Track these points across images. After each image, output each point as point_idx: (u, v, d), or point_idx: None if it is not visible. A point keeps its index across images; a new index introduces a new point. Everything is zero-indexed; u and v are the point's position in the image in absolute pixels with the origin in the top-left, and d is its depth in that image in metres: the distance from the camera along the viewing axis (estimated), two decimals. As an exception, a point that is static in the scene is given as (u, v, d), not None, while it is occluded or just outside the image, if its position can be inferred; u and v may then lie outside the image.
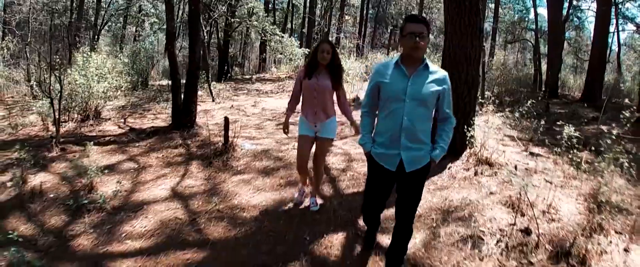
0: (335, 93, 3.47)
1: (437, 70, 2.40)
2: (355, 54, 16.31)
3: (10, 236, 2.81)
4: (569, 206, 3.33)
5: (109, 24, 22.27)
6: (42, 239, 3.12)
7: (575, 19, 19.82)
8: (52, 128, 6.44)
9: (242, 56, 22.89)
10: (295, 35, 21.96)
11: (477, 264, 2.59)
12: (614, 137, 3.35)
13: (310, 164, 3.60)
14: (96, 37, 18.96)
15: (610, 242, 2.86)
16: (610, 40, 18.89)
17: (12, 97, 9.82)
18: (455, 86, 3.78)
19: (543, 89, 11.20)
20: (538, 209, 3.14)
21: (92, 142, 4.85)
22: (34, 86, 8.63)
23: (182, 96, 6.26)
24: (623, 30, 19.25)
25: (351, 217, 3.31)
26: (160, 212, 3.46)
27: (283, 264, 2.60)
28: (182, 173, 4.47)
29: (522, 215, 3.06)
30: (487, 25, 22.67)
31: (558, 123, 5.06)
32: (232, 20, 13.14)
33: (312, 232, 3.06)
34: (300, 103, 3.59)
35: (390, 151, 2.39)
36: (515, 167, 4.20)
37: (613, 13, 17.28)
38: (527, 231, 2.85)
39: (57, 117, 5.80)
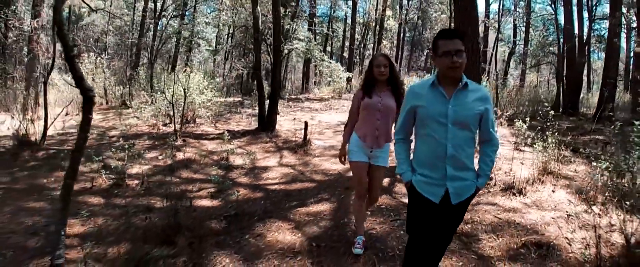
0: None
1: (477, 89, 2.40)
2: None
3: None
4: (524, 172, 5.89)
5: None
6: (214, 180, 5.93)
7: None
8: (162, 128, 9.50)
9: (284, 77, 26.17)
10: (335, 59, 24.98)
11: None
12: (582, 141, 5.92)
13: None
14: (154, 57, 22.53)
15: (544, 187, 5.41)
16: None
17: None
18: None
19: (561, 107, 13.64)
20: (502, 171, 5.76)
21: (226, 132, 7.76)
22: (152, 93, 11.71)
23: (266, 107, 9.18)
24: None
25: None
26: (278, 170, 6.29)
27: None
28: (279, 156, 7.30)
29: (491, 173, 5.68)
30: (520, 48, 25.14)
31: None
32: (285, 46, 16.21)
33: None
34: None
35: (434, 181, 2.37)
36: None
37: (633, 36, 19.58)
38: (490, 178, 5.47)
39: (181, 118, 8.81)
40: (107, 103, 14.09)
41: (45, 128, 8.00)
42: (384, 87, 3.44)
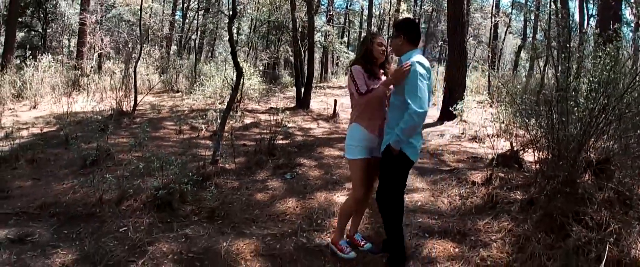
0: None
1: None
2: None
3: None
4: (489, 130, 9.32)
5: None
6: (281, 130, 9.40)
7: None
8: (219, 105, 13.04)
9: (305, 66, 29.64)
10: (351, 49, 28.38)
11: (441, 140, 8.68)
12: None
13: None
14: (183, 48, 26.18)
15: (500, 139, 8.82)
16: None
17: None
18: (452, 86, 9.99)
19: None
20: (472, 130, 9.20)
21: (280, 105, 11.29)
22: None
23: (302, 89, 12.70)
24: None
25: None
26: (319, 130, 9.85)
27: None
28: (317, 123, 10.83)
29: (464, 131, 9.12)
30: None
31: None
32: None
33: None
34: (357, 113, 3.40)
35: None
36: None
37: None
38: (463, 133, 8.92)
39: (239, 97, 12.37)
40: (150, 90, 17.57)
41: (135, 103, 11.58)
42: (379, 71, 3.42)
